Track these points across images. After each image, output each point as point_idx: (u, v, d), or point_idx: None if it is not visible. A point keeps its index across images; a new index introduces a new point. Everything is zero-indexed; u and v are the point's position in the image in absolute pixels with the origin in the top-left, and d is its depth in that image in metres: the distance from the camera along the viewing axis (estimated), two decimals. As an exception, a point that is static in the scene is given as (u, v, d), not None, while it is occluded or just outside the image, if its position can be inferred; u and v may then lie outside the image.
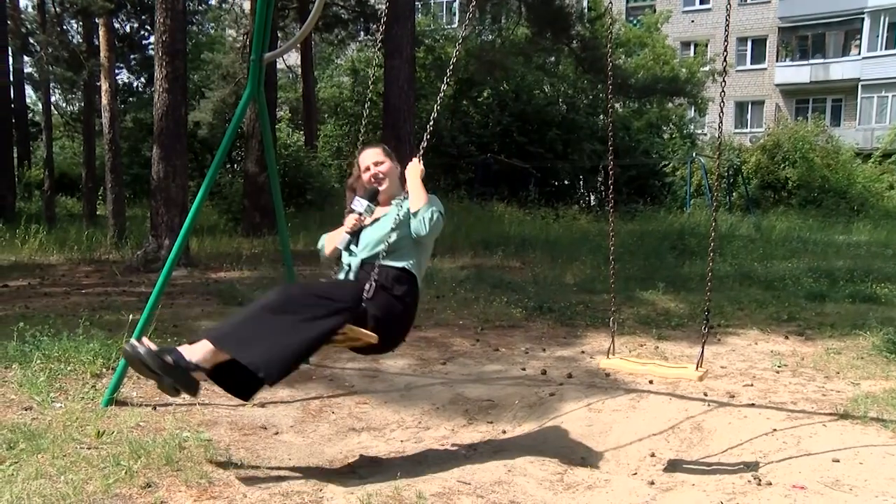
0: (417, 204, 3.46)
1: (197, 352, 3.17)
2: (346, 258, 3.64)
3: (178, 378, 3.16)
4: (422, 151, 3.62)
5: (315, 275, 9.83)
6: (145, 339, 3.28)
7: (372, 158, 3.72)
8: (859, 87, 33.01)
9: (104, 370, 4.70)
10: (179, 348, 3.23)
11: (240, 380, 3.31)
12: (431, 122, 3.68)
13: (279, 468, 3.53)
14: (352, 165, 4.02)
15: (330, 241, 3.76)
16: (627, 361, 3.95)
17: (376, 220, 3.63)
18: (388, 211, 3.63)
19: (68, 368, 4.67)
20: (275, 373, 3.16)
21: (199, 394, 3.36)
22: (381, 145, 3.87)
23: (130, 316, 5.30)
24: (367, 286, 3.36)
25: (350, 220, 3.64)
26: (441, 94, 3.91)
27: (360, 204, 3.64)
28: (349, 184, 3.89)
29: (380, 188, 3.68)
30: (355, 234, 3.64)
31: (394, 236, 3.45)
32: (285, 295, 3.34)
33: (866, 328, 6.50)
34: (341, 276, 3.64)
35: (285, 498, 3.13)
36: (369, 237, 3.57)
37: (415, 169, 3.60)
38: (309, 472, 3.50)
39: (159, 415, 4.09)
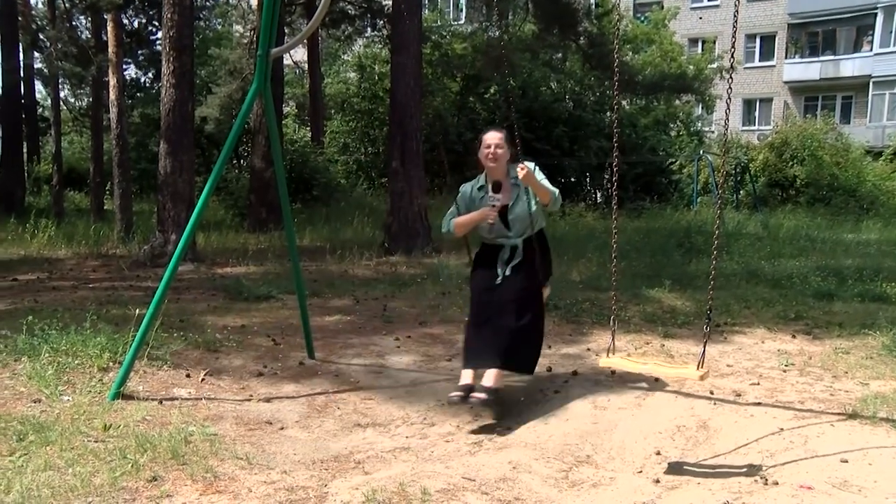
0: (550, 193, 4.38)
1: (493, 379, 4.25)
2: (504, 242, 4.47)
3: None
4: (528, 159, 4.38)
5: (320, 270, 9.86)
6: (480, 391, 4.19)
7: (495, 140, 4.41)
8: (870, 83, 32.83)
9: (111, 364, 4.72)
10: (485, 382, 4.24)
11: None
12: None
13: (284, 463, 3.53)
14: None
15: (460, 226, 4.53)
16: (628, 360, 3.93)
17: (506, 206, 4.40)
18: (514, 192, 4.41)
19: (76, 362, 4.69)
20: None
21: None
22: (504, 130, 4.50)
23: (137, 310, 5.32)
24: (535, 260, 4.43)
25: (491, 214, 4.35)
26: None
27: (494, 198, 4.36)
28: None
29: (491, 165, 4.41)
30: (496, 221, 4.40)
31: (534, 215, 4.43)
32: (539, 316, 4.50)
33: (876, 328, 6.46)
34: (504, 255, 4.46)
35: (290, 493, 3.14)
36: (517, 218, 4.43)
37: (530, 169, 4.25)
38: (314, 468, 3.51)
39: (165, 409, 4.10)
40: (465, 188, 4.60)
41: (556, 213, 17.68)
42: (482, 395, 4.13)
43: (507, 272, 4.43)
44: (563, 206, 18.91)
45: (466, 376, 4.30)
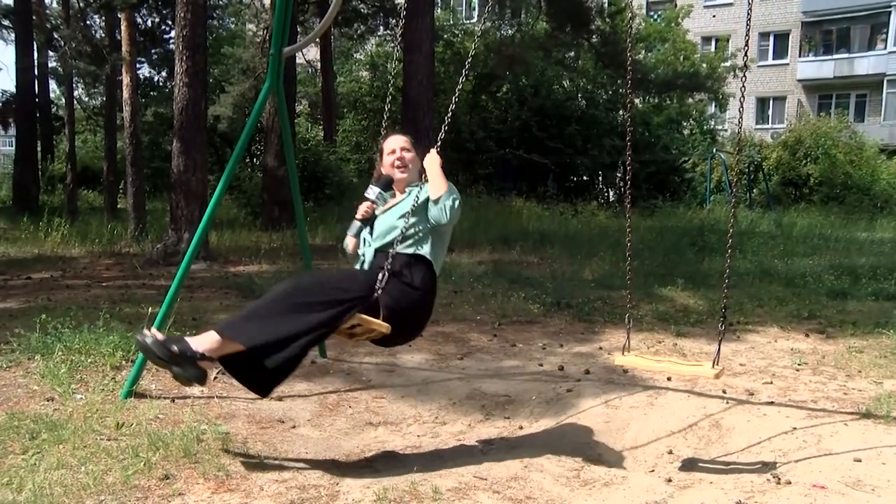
0: (438, 191, 3.42)
1: (203, 342, 3.21)
2: (360, 248, 3.63)
3: (185, 367, 3.20)
4: (439, 143, 3.61)
5: (332, 269, 9.88)
6: (153, 329, 3.33)
7: (399, 143, 3.72)
8: (885, 82, 32.57)
9: (124, 362, 4.74)
10: (187, 338, 3.27)
11: (259, 374, 3.30)
12: (449, 116, 3.67)
13: (296, 461, 3.54)
14: (371, 160, 4.12)
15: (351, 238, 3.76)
16: (643, 359, 3.90)
17: (389, 207, 3.61)
18: (402, 198, 3.61)
19: (89, 360, 4.71)
20: (263, 349, 3.17)
21: (206, 382, 3.41)
22: (404, 134, 3.86)
23: (150, 309, 5.35)
24: (379, 275, 3.32)
25: (361, 207, 3.64)
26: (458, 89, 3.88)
27: (372, 191, 3.63)
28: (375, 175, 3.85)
29: (401, 175, 3.66)
30: (368, 223, 3.62)
31: (410, 221, 3.42)
32: (293, 284, 3.34)
33: (889, 326, 6.42)
34: (356, 266, 3.62)
35: (302, 491, 3.14)
36: (383, 224, 3.55)
37: (434, 158, 3.57)
38: (326, 466, 3.51)
39: (178, 407, 4.12)
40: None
41: (568, 212, 17.67)
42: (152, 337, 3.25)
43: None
44: (575, 204, 18.97)
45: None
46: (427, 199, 3.46)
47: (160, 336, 3.25)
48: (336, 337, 5.59)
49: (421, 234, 3.47)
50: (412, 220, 3.43)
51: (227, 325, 3.25)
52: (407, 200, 3.54)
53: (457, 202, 3.43)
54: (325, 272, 3.73)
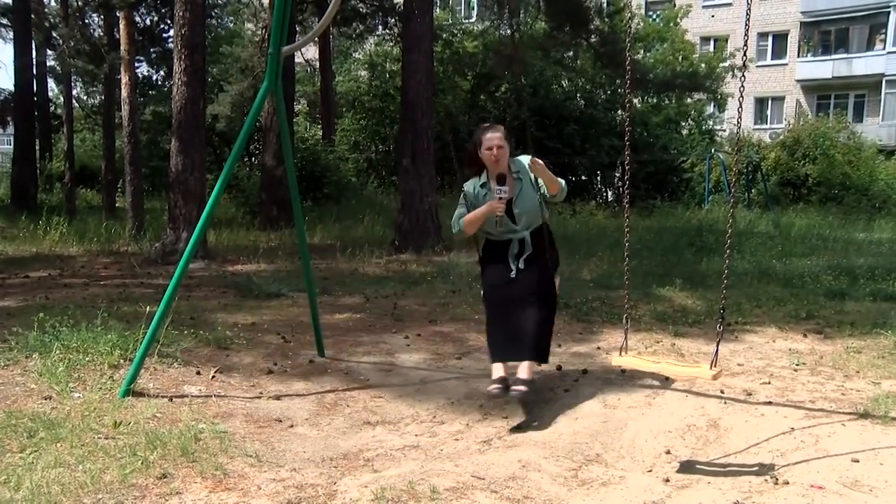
0: (556, 185, 4.40)
1: (527, 371, 4.27)
2: (512, 236, 4.43)
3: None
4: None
5: (331, 268, 9.88)
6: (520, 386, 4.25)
7: (496, 140, 4.36)
8: (883, 82, 32.59)
9: (121, 361, 4.73)
10: (520, 375, 4.27)
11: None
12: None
13: (294, 461, 3.54)
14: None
15: (470, 223, 4.44)
16: (640, 360, 3.90)
17: (513, 197, 4.38)
18: (518, 186, 4.41)
19: (86, 359, 4.71)
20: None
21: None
22: (502, 128, 4.46)
23: (148, 308, 5.33)
24: (546, 254, 4.44)
25: (500, 207, 4.30)
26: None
27: (500, 190, 4.28)
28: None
29: (501, 165, 4.35)
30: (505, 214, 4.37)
31: (537, 202, 4.41)
32: (552, 305, 4.54)
33: (888, 327, 6.41)
34: (514, 249, 4.43)
35: (299, 490, 3.14)
36: (524, 211, 4.41)
37: (539, 161, 4.29)
38: (323, 465, 3.51)
39: (175, 406, 4.11)
40: (468, 187, 4.57)
41: (566, 212, 17.68)
42: (522, 388, 4.18)
43: (521, 265, 4.43)
44: (573, 204, 18.97)
45: (498, 370, 4.33)
46: (536, 178, 4.40)
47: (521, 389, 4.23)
48: (334, 336, 5.60)
49: (541, 207, 4.46)
50: (537, 199, 4.42)
51: (544, 353, 4.43)
52: (527, 189, 4.42)
53: (566, 185, 4.52)
54: (547, 278, 4.57)
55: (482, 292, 4.61)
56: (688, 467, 3.59)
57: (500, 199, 4.28)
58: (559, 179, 4.41)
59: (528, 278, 4.41)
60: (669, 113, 25.63)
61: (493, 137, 4.38)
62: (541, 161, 4.28)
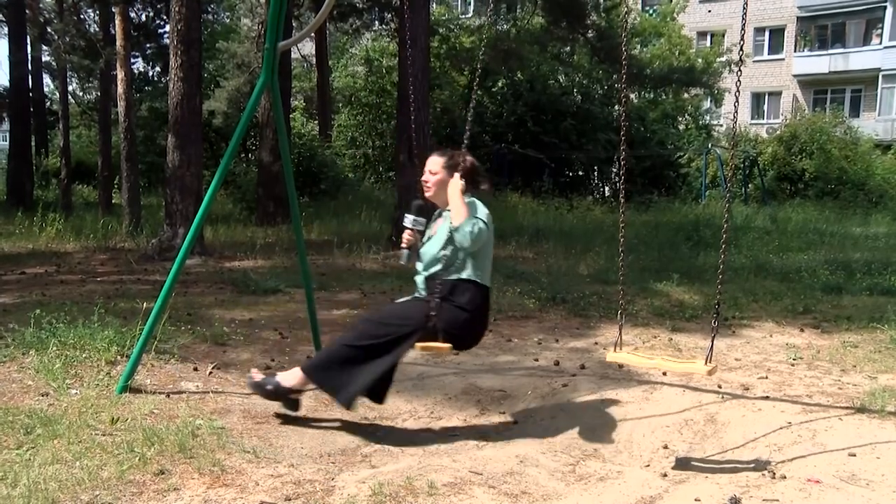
0: (458, 219, 3.59)
1: (290, 379, 3.84)
2: (416, 274, 3.87)
3: (281, 400, 3.94)
4: (462, 169, 3.79)
5: (328, 264, 9.87)
6: (255, 371, 4.04)
7: (429, 166, 3.87)
8: (880, 77, 32.59)
9: (118, 357, 4.72)
10: (277, 377, 3.89)
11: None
12: (467, 135, 3.95)
13: (291, 456, 3.54)
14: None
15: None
16: (635, 356, 3.90)
17: (431, 236, 3.86)
18: (441, 224, 3.81)
19: (83, 355, 4.70)
20: (348, 398, 3.73)
21: (299, 409, 4.03)
22: (446, 154, 3.94)
23: (145, 304, 5.33)
24: (432, 304, 3.62)
25: (404, 237, 3.85)
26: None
27: (407, 219, 3.83)
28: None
29: (429, 195, 3.84)
30: (415, 248, 3.85)
31: (447, 251, 3.67)
32: (359, 330, 3.79)
33: (884, 321, 6.43)
34: (419, 285, 3.85)
35: (297, 486, 3.14)
36: (427, 255, 3.79)
37: (454, 185, 3.71)
38: (321, 461, 3.51)
39: (173, 402, 4.11)
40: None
41: (563, 207, 17.67)
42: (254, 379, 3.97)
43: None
44: (570, 199, 18.96)
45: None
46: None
47: (258, 378, 3.92)
48: (332, 332, 5.59)
49: (461, 259, 3.69)
50: (450, 248, 3.67)
51: (310, 367, 3.81)
52: (443, 228, 3.75)
53: (476, 227, 3.56)
54: (386, 310, 4.01)
55: None
56: (685, 462, 3.59)
57: (408, 229, 3.83)
58: (464, 213, 3.58)
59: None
60: (666, 108, 25.62)
61: (428, 163, 3.89)
62: (459, 183, 3.69)
